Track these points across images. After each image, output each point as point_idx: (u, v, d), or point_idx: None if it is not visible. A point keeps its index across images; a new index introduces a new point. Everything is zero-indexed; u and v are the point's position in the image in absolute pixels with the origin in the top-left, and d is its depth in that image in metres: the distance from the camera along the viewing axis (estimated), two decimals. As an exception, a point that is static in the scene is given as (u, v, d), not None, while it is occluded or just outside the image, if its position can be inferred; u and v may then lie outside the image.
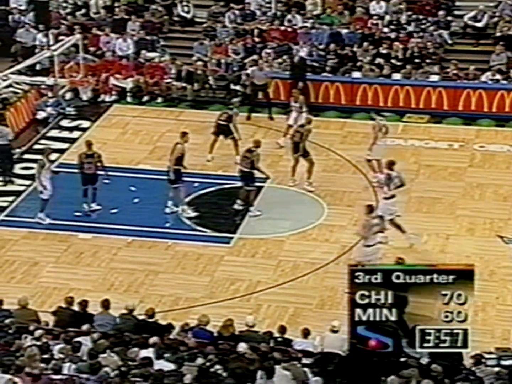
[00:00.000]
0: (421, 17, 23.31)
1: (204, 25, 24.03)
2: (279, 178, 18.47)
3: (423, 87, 21.42)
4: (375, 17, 23.37)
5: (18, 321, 12.32)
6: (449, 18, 23.34)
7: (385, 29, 23.11)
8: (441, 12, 23.32)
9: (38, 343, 11.52)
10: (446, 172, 18.75)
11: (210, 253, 15.97)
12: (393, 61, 22.26)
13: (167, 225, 16.78)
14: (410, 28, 23.08)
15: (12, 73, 20.52)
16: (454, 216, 17.07)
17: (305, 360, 11.59)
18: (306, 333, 12.41)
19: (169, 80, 22.36)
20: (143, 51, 23.03)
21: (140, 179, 17.28)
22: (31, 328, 11.93)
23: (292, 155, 18.04)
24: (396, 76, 21.86)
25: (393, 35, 22.89)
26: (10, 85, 20.61)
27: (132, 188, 16.75)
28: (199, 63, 22.41)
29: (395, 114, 21.38)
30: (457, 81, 21.61)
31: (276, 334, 12.45)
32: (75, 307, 12.82)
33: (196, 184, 18.06)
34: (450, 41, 22.98)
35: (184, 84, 22.24)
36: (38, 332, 11.76)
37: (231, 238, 16.42)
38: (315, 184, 18.04)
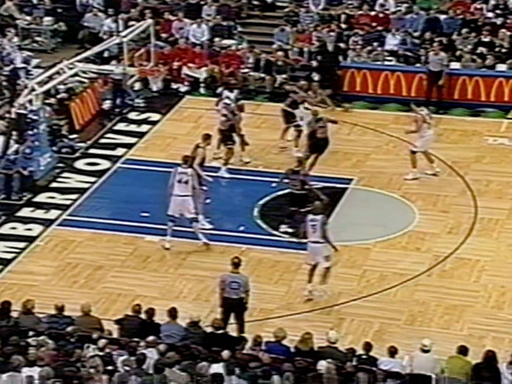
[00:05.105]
0: (532, 0, 22.91)
1: (286, 9, 24.09)
2: (365, 179, 18.38)
3: (531, 80, 21.05)
4: (478, 1, 23.01)
5: (80, 328, 12.57)
6: None
7: (490, 14, 22.72)
8: (556, -6, 22.85)
9: (101, 353, 11.74)
10: (557, 176, 18.36)
11: (287, 260, 15.99)
12: (497, 50, 21.89)
13: (241, 228, 16.88)
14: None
15: (78, 61, 20.94)
16: None
17: (391, 382, 11.50)
18: (393, 352, 12.31)
19: (246, 70, 22.49)
20: (219, 38, 23.23)
21: (212, 178, 17.41)
22: (94, 336, 12.15)
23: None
24: (501, 67, 21.47)
25: (499, 21, 22.49)
26: (76, 74, 21.02)
27: (204, 188, 16.90)
28: (280, 52, 22.47)
29: (499, 110, 21.03)
30: None
31: (360, 352, 12.39)
32: (142, 316, 13.01)
33: (273, 185, 18.12)
34: None
35: (262, 75, 22.34)
36: (101, 342, 11.97)
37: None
38: (404, 187, 17.97)
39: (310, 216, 14.97)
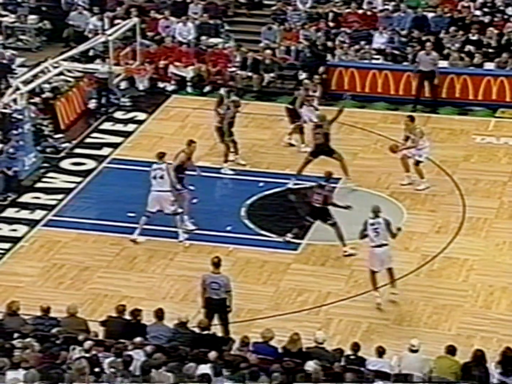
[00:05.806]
0: (520, -2, 23.00)
1: (273, 8, 24.09)
2: (353, 178, 18.40)
3: (519, 78, 21.12)
4: (466, -1, 23.12)
5: (66, 330, 12.53)
6: (552, -1, 22.94)
7: (477, 12, 22.79)
8: (543, -7, 22.95)
9: (87, 355, 11.71)
10: (544, 174, 18.43)
11: (276, 261, 16.00)
12: (485, 48, 21.95)
13: (228, 228, 16.87)
14: (508, 12, 22.67)
15: (63, 59, 20.87)
16: (552, 225, 16.76)
17: (379, 382, 11.52)
18: (381, 352, 12.33)
19: (233, 69, 22.48)
20: (205, 37, 23.21)
21: (199, 177, 17.41)
22: (80, 338, 12.12)
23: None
24: (489, 65, 21.53)
25: (486, 19, 22.55)
26: (61, 73, 20.95)
27: (191, 187, 16.90)
28: (267, 51, 22.46)
29: (486, 109, 21.10)
30: (559, 71, 21.22)
31: (348, 352, 12.41)
32: (127, 317, 12.98)
33: (261, 184, 18.14)
34: (552, 26, 22.56)
35: (249, 74, 22.33)
36: (87, 343, 11.94)
37: (299, 244, 16.42)
38: (392, 187, 17.97)
39: (371, 220, 14.61)
